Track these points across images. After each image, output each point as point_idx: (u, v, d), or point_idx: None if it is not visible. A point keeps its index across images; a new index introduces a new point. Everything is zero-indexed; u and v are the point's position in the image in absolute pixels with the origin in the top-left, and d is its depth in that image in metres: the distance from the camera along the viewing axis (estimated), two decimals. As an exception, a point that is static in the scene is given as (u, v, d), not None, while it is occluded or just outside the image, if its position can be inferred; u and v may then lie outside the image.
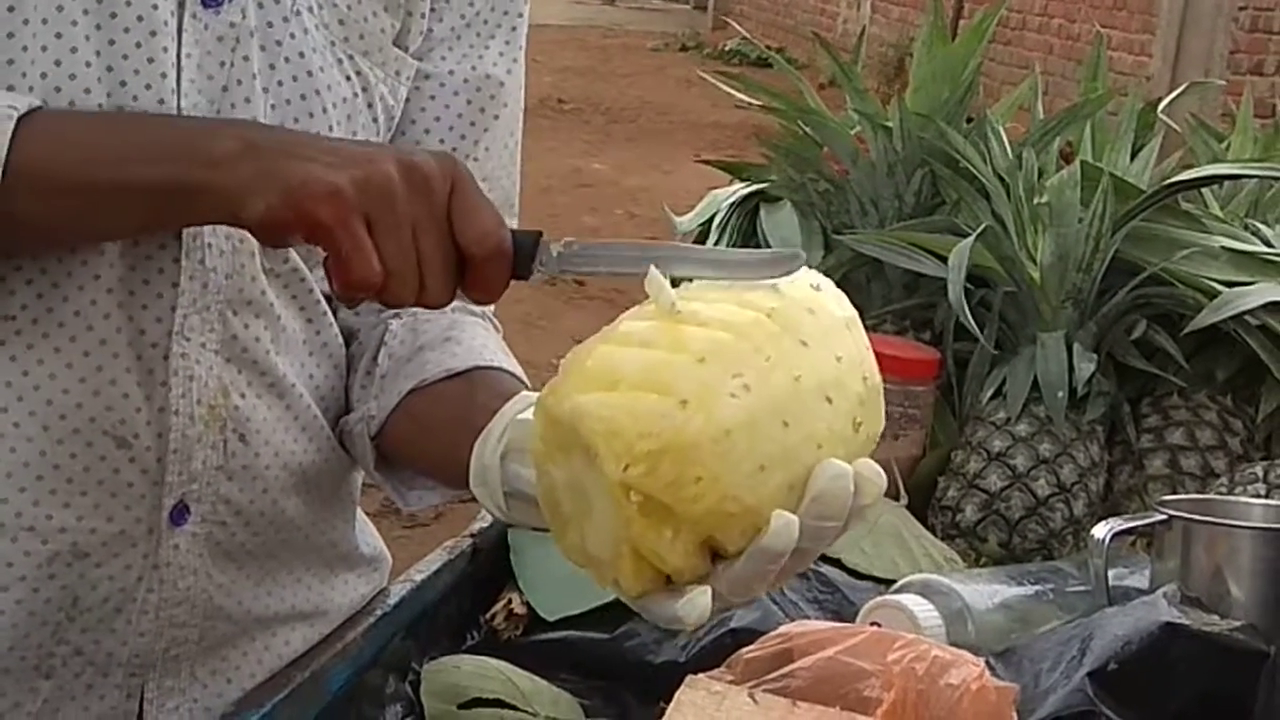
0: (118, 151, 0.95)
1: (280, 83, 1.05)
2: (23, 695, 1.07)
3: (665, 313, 0.86)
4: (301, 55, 1.06)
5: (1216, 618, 1.15)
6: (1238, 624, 1.14)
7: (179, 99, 1.01)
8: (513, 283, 1.29)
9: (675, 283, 0.88)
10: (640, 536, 0.82)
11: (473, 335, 1.16)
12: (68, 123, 0.97)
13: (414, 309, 1.18)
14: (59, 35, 0.97)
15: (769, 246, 1.77)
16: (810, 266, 1.74)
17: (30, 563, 1.04)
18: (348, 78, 1.09)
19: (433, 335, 1.15)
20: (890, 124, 1.72)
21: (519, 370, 1.14)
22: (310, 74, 1.07)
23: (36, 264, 1.01)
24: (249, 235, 1.06)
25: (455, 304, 1.21)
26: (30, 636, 1.06)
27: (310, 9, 1.07)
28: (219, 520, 1.09)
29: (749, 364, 0.83)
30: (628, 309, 0.89)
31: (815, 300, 0.88)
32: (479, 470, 0.97)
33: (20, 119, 0.93)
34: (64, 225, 0.97)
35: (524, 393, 1.02)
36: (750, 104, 2.00)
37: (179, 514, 1.07)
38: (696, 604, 0.83)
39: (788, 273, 0.89)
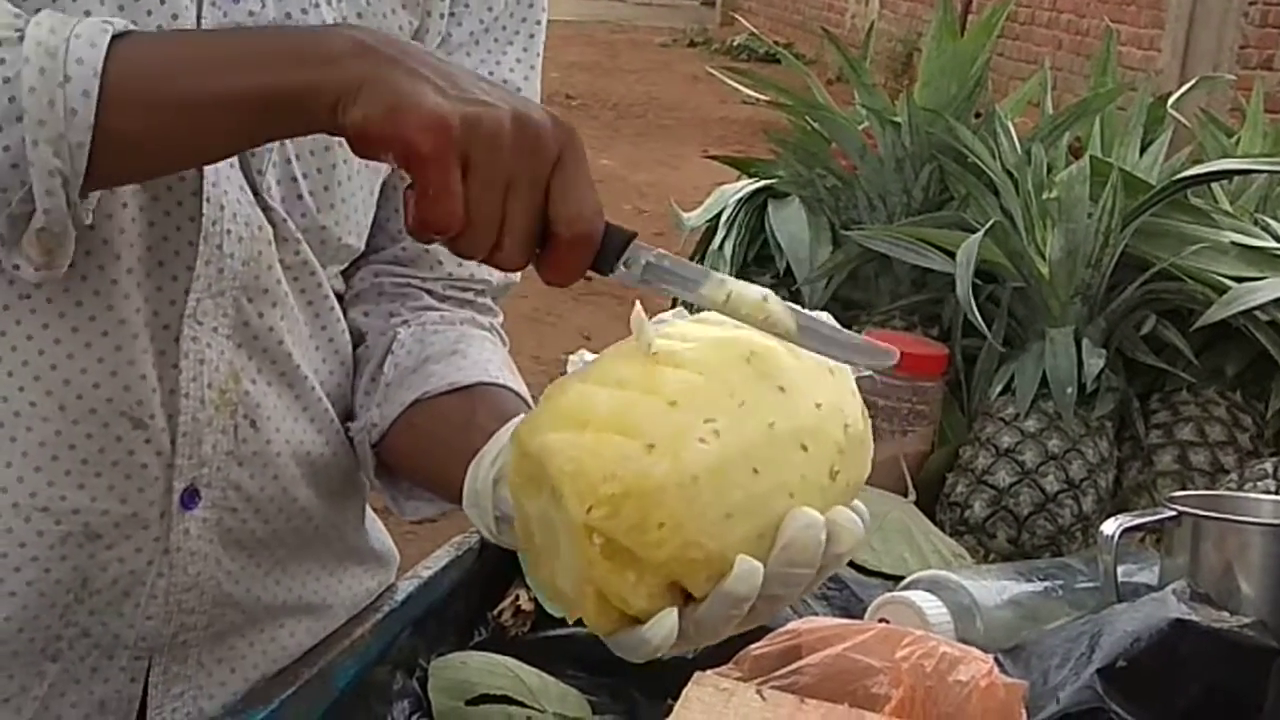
0: (221, 61, 0.90)
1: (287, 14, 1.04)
2: (29, 679, 1.07)
3: (643, 351, 0.85)
4: None
5: (1226, 614, 1.14)
6: (1247, 620, 1.14)
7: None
8: (522, 275, 1.29)
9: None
10: (603, 579, 0.81)
11: (479, 350, 1.16)
12: (167, 39, 0.93)
13: (421, 319, 1.18)
14: (87, 13, 0.96)
15: (777, 242, 1.77)
16: (818, 263, 1.76)
17: (43, 543, 1.04)
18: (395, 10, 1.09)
19: (439, 347, 1.15)
20: (899, 119, 1.72)
21: (522, 388, 1.14)
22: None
23: None
24: (267, 224, 1.06)
25: (466, 315, 1.21)
26: (39, 618, 1.06)
27: (329, 2, 1.06)
28: (229, 506, 1.09)
29: (721, 409, 0.82)
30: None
31: (792, 346, 0.86)
32: (471, 493, 0.97)
33: (114, 37, 0.90)
34: (165, 141, 0.92)
35: (521, 416, 1.01)
36: (758, 100, 2.00)
37: (189, 498, 1.07)
38: (662, 624, 0.82)
39: (876, 367, 0.88)
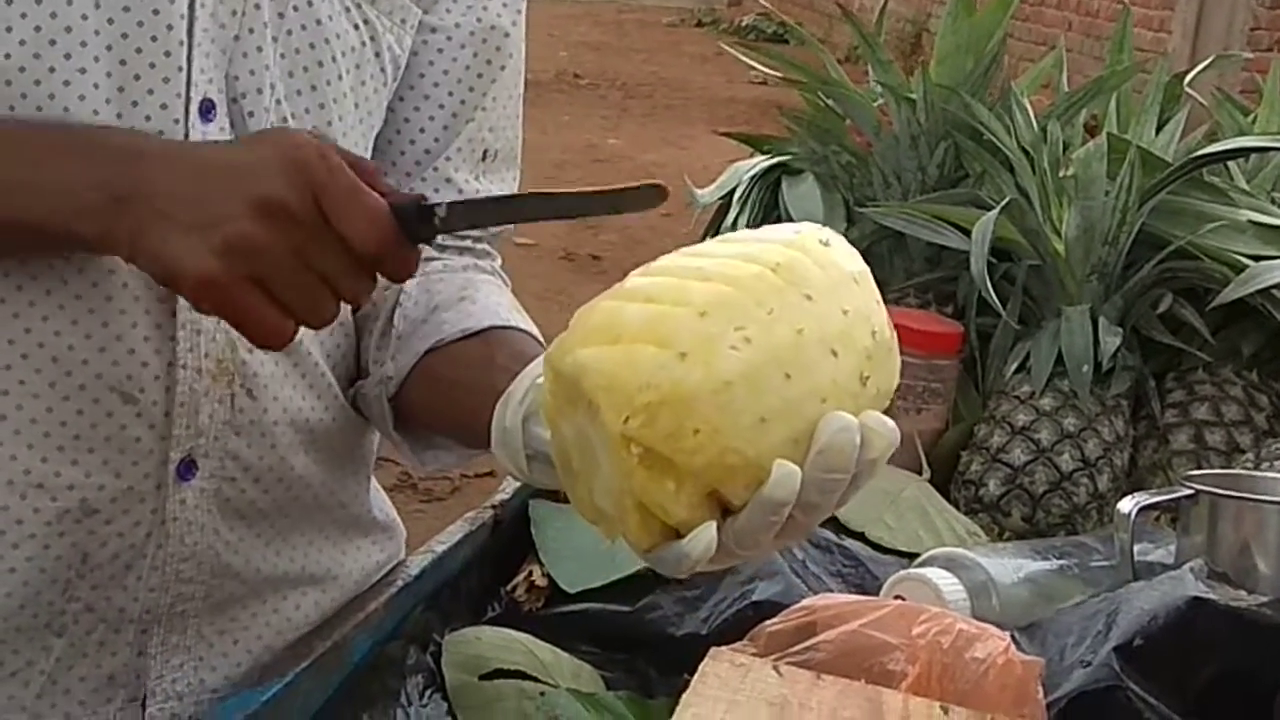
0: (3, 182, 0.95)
1: (289, 31, 1.05)
2: (35, 653, 1.07)
3: (669, 270, 0.86)
4: (310, 3, 1.06)
5: (1244, 593, 1.14)
6: (1265, 599, 1.13)
7: (190, 49, 1.01)
8: (528, 259, 1.29)
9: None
10: (643, 489, 0.82)
11: (487, 294, 1.16)
12: None
13: (425, 270, 1.18)
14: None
15: (791, 219, 1.77)
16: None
17: (39, 520, 1.04)
18: (355, 26, 1.09)
19: (447, 295, 1.15)
20: (914, 96, 1.71)
21: (535, 329, 1.14)
22: (319, 22, 1.07)
23: None
24: None
25: (467, 262, 1.21)
26: (42, 594, 1.06)
27: None
28: (227, 476, 1.09)
29: (751, 317, 0.82)
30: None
31: (823, 254, 0.87)
32: (500, 433, 0.97)
33: None
34: None
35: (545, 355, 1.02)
36: (766, 80, 1.99)
37: (186, 469, 1.07)
38: (701, 538, 0.82)
39: (652, 204, 0.90)
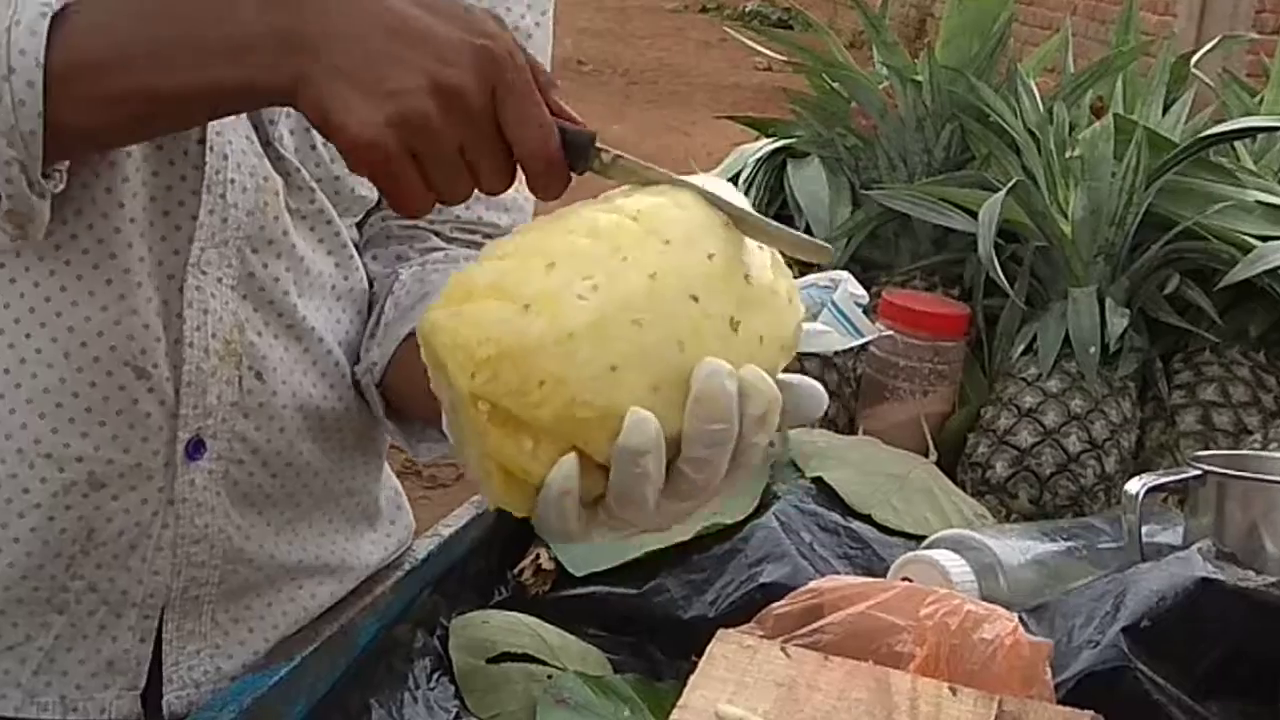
0: (162, 54, 0.91)
1: None
2: (34, 628, 1.07)
3: (531, 229, 0.85)
4: None
5: (1252, 573, 1.13)
6: (1273, 579, 1.13)
7: None
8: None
9: None
10: (498, 449, 0.80)
11: None
12: (102, 18, 0.92)
13: (424, 258, 1.17)
14: None
15: (796, 202, 1.77)
16: (838, 223, 1.75)
17: (46, 490, 1.04)
18: None
19: (438, 284, 1.15)
20: (919, 78, 1.70)
21: None
22: None
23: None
24: (274, 175, 1.06)
25: (471, 254, 1.21)
26: (44, 568, 1.06)
27: None
28: (236, 459, 1.09)
29: (602, 266, 0.81)
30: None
31: (693, 202, 0.85)
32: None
33: (54, 18, 0.90)
34: (114, 131, 0.94)
35: None
36: (771, 66, 2.00)
37: (194, 449, 1.07)
38: (560, 468, 0.80)
39: (818, 258, 0.88)
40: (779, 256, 0.88)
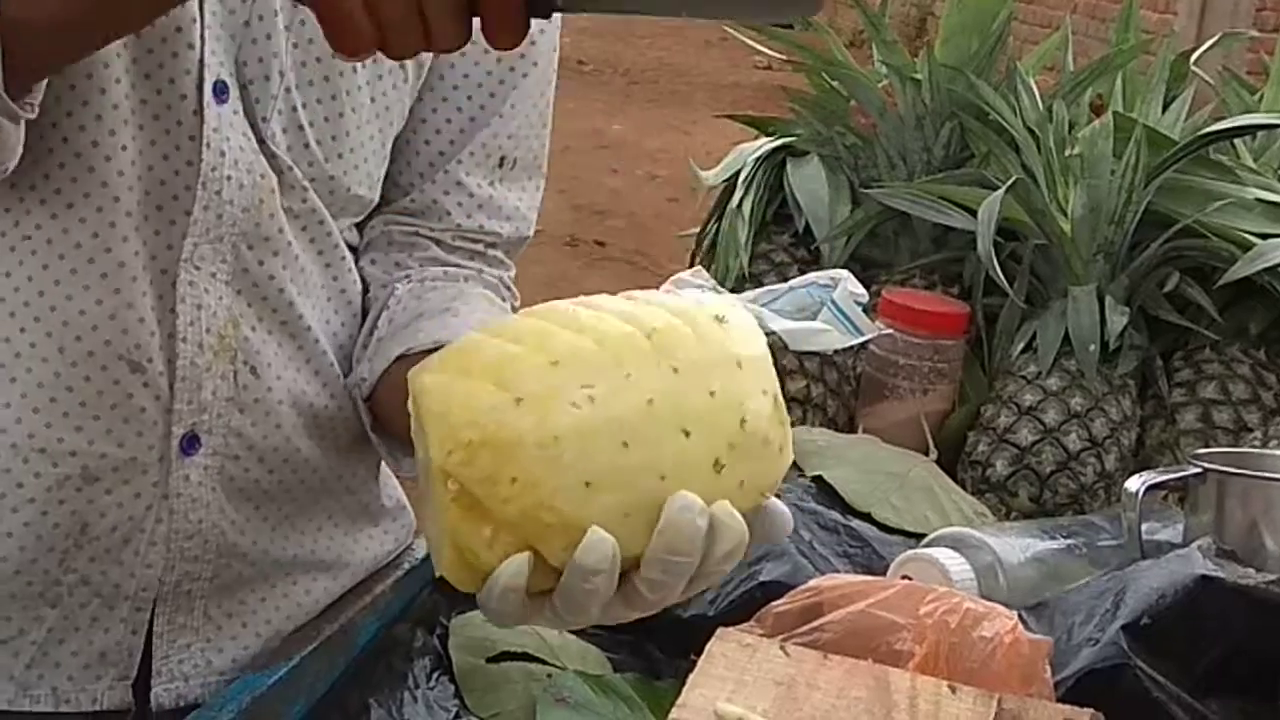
0: None
1: (303, 21, 1.05)
2: (28, 622, 1.07)
3: (550, 315, 0.84)
4: None
5: (1251, 571, 1.13)
6: (1273, 577, 1.13)
7: (201, 29, 1.01)
8: (532, 245, 1.28)
9: None
10: (455, 528, 0.80)
11: (472, 309, 1.15)
12: None
13: (423, 275, 1.17)
14: None
15: (796, 201, 1.77)
16: (837, 221, 1.75)
17: (40, 485, 1.04)
18: None
19: (434, 304, 1.14)
20: (919, 76, 1.70)
21: None
22: None
23: (50, 184, 1.01)
24: (270, 172, 1.05)
25: (469, 273, 1.20)
26: (37, 562, 1.06)
27: None
28: (231, 454, 1.09)
29: (603, 377, 0.80)
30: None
31: (711, 330, 0.85)
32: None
33: None
34: (74, 23, 0.89)
35: None
36: (771, 65, 2.00)
37: (189, 444, 1.07)
38: (511, 563, 0.80)
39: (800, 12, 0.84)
40: (781, 402, 0.87)
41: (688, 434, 0.81)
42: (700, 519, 0.81)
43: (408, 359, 1.10)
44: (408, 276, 1.17)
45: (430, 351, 1.09)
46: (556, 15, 1.20)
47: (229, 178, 1.03)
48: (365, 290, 1.18)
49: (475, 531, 0.80)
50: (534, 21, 1.17)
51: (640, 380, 0.81)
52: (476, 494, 0.79)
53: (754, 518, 0.85)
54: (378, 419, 1.14)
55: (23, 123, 0.93)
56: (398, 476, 1.31)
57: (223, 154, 1.03)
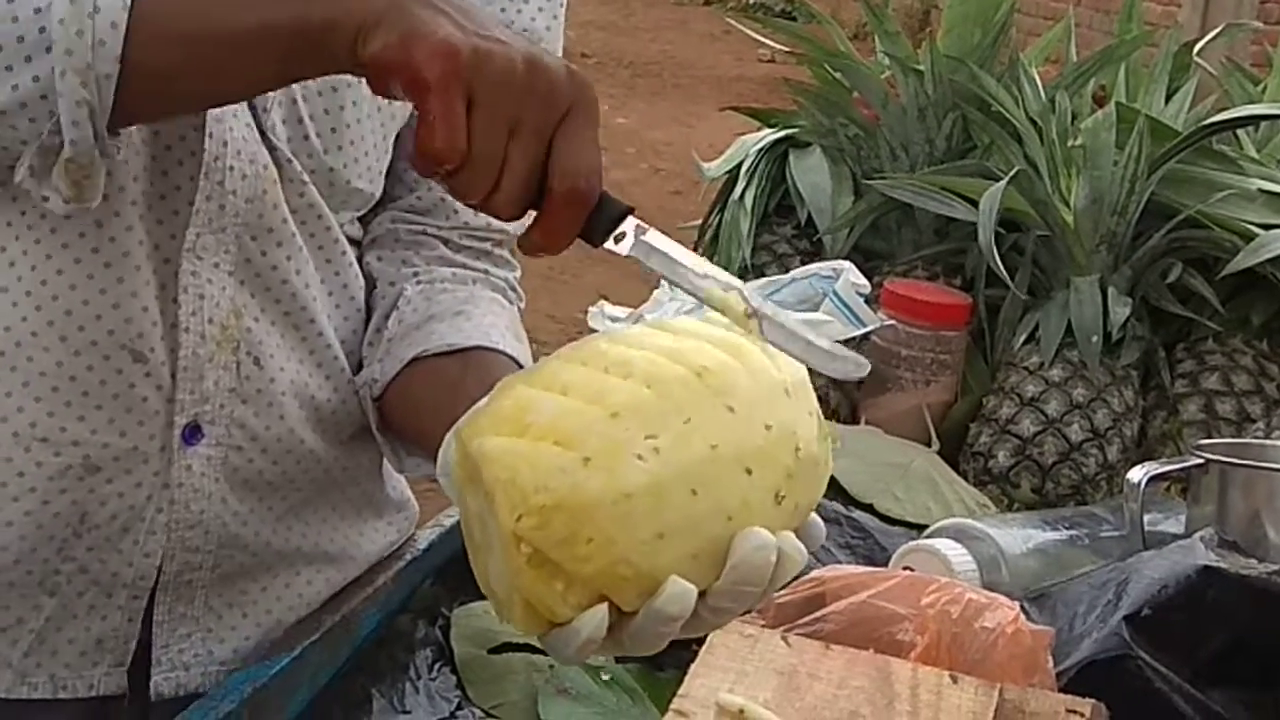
0: None
1: None
2: (26, 611, 1.07)
3: (593, 359, 0.83)
4: None
5: (1254, 561, 1.13)
6: (1275, 567, 1.13)
7: None
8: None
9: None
10: (529, 588, 0.80)
11: (484, 312, 1.14)
12: None
13: (432, 276, 1.16)
14: None
15: (799, 192, 1.76)
16: (840, 212, 1.75)
17: (41, 474, 1.04)
18: None
19: (445, 306, 1.14)
20: (921, 67, 1.70)
21: (522, 354, 1.12)
22: None
23: None
24: (273, 163, 1.05)
25: (477, 275, 1.20)
26: (37, 551, 1.06)
27: None
28: (234, 444, 1.09)
29: (665, 425, 0.80)
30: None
31: (759, 363, 0.84)
32: (443, 463, 0.96)
33: None
34: (191, 77, 0.91)
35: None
36: (775, 58, 2.00)
37: (191, 434, 1.07)
38: (592, 617, 0.81)
39: (847, 373, 0.86)
40: (822, 418, 0.88)
41: (750, 472, 0.81)
42: (772, 555, 0.82)
43: (421, 362, 1.10)
44: (416, 277, 1.17)
45: (442, 356, 1.09)
46: (561, 9, 1.21)
47: (231, 168, 1.03)
48: (371, 286, 1.18)
49: (549, 589, 0.80)
50: (538, 15, 1.17)
51: (700, 425, 0.81)
52: (551, 556, 0.79)
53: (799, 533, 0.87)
54: (385, 419, 1.14)
55: None
56: (400, 474, 1.31)
57: (225, 144, 1.03)
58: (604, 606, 0.81)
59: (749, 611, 0.87)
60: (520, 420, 0.81)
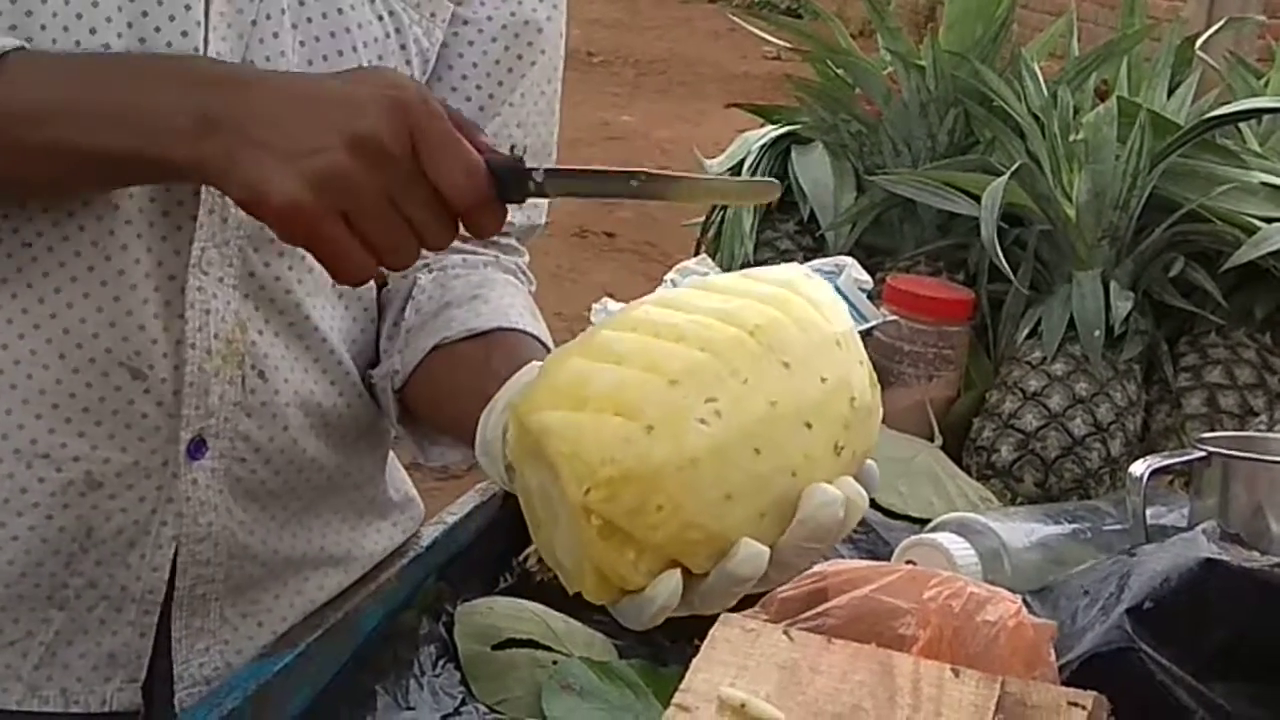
0: (84, 115, 0.93)
1: (309, 19, 1.05)
2: (35, 624, 1.08)
3: (643, 325, 0.84)
4: None
5: (1256, 554, 1.13)
6: (1278, 560, 1.13)
7: (206, 31, 1.01)
8: (541, 236, 1.28)
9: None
10: (601, 558, 0.81)
11: (500, 294, 1.15)
12: (35, 72, 0.94)
13: (443, 263, 1.17)
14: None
15: (801, 188, 1.76)
16: (842, 208, 1.75)
17: (44, 490, 1.05)
18: (380, 17, 1.08)
19: (460, 292, 1.15)
20: (923, 63, 1.70)
21: (542, 332, 1.13)
22: (340, 11, 1.06)
23: None
24: None
25: (487, 259, 1.21)
26: (44, 565, 1.06)
27: None
28: (238, 457, 1.09)
29: (723, 388, 0.81)
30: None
31: (808, 316, 0.86)
32: (482, 442, 0.97)
33: None
34: (31, 182, 0.97)
35: (533, 363, 1.01)
36: (780, 55, 2.00)
37: (196, 448, 1.07)
38: (666, 584, 0.82)
39: (766, 198, 0.89)
40: (870, 366, 0.89)
41: (809, 426, 0.83)
42: (840, 509, 0.83)
43: (443, 349, 1.10)
44: (427, 266, 1.18)
45: (464, 340, 1.10)
46: (562, 2, 1.21)
47: None
48: (383, 282, 1.18)
49: (620, 557, 0.81)
50: (539, 11, 1.18)
51: (758, 384, 0.82)
52: (622, 525, 0.80)
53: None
54: (409, 409, 1.15)
55: None
56: (407, 469, 1.31)
57: None
58: (677, 572, 0.82)
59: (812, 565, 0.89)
60: (578, 393, 0.82)
